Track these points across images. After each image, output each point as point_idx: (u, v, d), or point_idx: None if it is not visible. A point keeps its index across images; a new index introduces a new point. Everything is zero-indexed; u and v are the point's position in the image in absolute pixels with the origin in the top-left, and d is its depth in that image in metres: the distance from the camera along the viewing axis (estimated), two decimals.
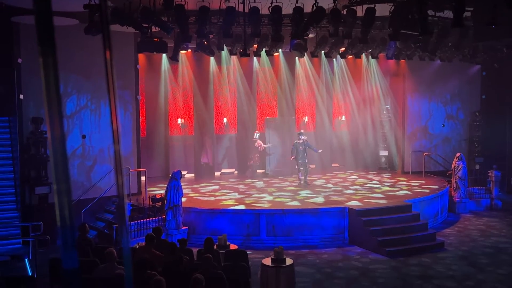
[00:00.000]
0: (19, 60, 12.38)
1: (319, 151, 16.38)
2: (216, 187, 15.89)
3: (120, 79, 14.07)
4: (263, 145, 17.81)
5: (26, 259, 8.98)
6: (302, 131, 16.77)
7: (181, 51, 15.84)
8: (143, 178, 14.79)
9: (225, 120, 19.01)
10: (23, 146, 12.56)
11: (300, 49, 14.19)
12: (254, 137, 17.89)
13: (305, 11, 11.23)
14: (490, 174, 16.65)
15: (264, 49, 15.44)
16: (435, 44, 14.36)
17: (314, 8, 11.06)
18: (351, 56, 17.74)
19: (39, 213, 12.22)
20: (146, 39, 12.45)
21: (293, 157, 15.90)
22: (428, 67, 18.57)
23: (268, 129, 18.31)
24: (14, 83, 12.29)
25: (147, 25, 11.69)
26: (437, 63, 18.13)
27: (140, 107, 15.72)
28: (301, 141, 15.80)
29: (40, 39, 1.32)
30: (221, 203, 13.15)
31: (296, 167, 15.99)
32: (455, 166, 15.94)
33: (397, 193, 14.72)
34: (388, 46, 15.30)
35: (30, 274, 8.21)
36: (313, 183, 16.59)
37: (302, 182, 15.82)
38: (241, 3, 11.44)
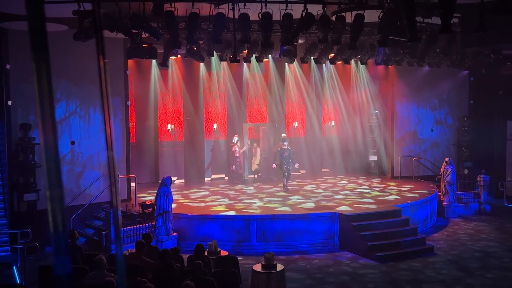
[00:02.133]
0: (8, 66, 12.29)
1: (296, 164, 16.13)
2: (206, 193, 15.85)
3: (110, 85, 13.98)
4: (237, 151, 17.64)
5: (14, 267, 8.89)
6: (284, 135, 16.48)
7: (171, 57, 15.83)
8: (132, 184, 14.72)
9: (215, 125, 19.00)
10: (11, 152, 12.45)
11: (289, 55, 14.25)
12: (233, 141, 17.87)
13: (294, 17, 11.28)
14: (478, 178, 16.79)
15: (254, 55, 15.46)
16: (423, 50, 14.48)
17: (304, 14, 11.11)
18: (340, 62, 17.81)
19: (28, 220, 12.11)
20: (136, 45, 12.42)
21: (275, 164, 15.95)
22: (416, 73, 18.73)
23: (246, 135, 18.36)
24: (2, 89, 12.20)
25: (136, 31, 11.67)
26: (426, 68, 18.29)
27: (129, 112, 15.66)
28: (285, 147, 15.69)
29: (33, 44, 1.33)
30: (211, 209, 13.12)
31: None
32: (444, 171, 16.05)
33: (386, 198, 14.78)
34: (377, 52, 15.40)
35: (18, 281, 8.12)
36: (304, 188, 16.62)
37: (285, 187, 15.88)
38: (231, 9, 11.47)
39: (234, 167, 17.76)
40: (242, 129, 18.57)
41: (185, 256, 8.71)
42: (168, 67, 15.88)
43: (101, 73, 1.41)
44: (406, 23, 10.23)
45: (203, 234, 12.18)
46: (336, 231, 12.39)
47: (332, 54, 15.96)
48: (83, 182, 13.81)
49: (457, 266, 10.91)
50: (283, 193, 15.59)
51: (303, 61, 16.10)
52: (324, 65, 19.37)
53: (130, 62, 15.78)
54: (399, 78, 18.89)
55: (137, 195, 14.25)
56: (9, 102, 12.38)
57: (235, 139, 17.80)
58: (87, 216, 13.47)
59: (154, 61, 16.82)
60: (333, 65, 18.64)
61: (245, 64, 18.12)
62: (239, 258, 9.09)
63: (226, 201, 14.36)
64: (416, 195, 15.04)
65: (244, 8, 11.31)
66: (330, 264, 11.12)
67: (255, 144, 18.37)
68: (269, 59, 18.57)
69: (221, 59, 15.80)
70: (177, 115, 18.54)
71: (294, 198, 14.67)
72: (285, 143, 15.85)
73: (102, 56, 1.41)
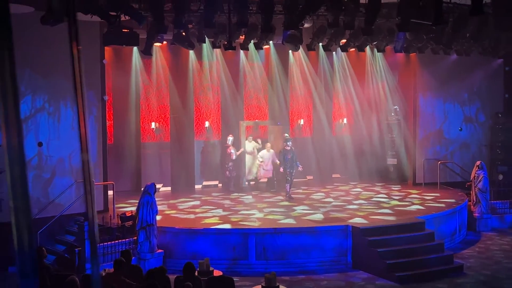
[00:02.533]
0: None
1: (300, 167, 16.28)
2: (197, 202, 15.83)
3: (84, 77, 14.00)
4: (233, 152, 17.64)
5: None
6: (287, 135, 16.78)
7: (155, 44, 15.80)
8: (110, 192, 14.69)
9: (207, 124, 19.00)
10: None
11: (294, 42, 14.25)
12: (227, 142, 17.89)
13: None
14: None
15: (252, 42, 15.47)
16: (450, 35, 14.50)
17: None
18: (353, 49, 17.82)
19: None
20: (114, 30, 12.42)
21: (282, 168, 16.09)
22: (442, 62, 18.74)
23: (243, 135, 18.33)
24: None
25: (115, 14, 11.67)
26: (453, 57, 18.30)
27: (106, 109, 15.65)
28: (289, 148, 15.95)
29: None
30: (203, 222, 13.10)
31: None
32: (474, 176, 16.04)
33: (408, 208, 14.79)
34: (397, 37, 15.41)
35: None
36: (310, 197, 16.62)
37: (287, 195, 16.02)
38: None
39: (228, 172, 17.74)
40: (238, 127, 18.58)
41: (172, 277, 8.69)
42: (151, 55, 15.85)
43: (74, 63, 1.40)
44: (431, 4, 10.25)
45: (193, 251, 12.15)
46: (348, 247, 12.37)
47: (344, 40, 15.97)
48: (53, 191, 13.77)
49: None
50: (286, 203, 15.58)
51: (310, 48, 16.10)
52: (334, 53, 19.35)
53: (107, 49, 15.75)
54: (422, 68, 18.90)
55: (116, 206, 14.21)
56: None
57: (230, 139, 17.79)
58: (57, 230, 13.43)
59: (135, 48, 16.79)
60: (345, 53, 18.64)
61: (242, 52, 18.08)
62: (235, 279, 9.07)
63: (220, 212, 14.33)
64: (443, 205, 15.03)
65: None
66: (342, 286, 11.11)
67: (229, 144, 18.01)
68: (270, 46, 18.55)
69: (214, 46, 15.78)
70: (163, 111, 18.53)
71: (300, 209, 14.66)
72: (288, 144, 15.93)
73: (75, 42, 1.41)
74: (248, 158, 18.42)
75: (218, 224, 12.81)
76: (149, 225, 11.82)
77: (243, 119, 19.13)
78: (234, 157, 17.68)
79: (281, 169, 16.30)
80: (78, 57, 1.43)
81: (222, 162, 18.35)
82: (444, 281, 11.38)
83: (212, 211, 14.51)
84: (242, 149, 18.23)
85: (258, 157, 18.03)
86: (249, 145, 18.46)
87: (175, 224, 12.91)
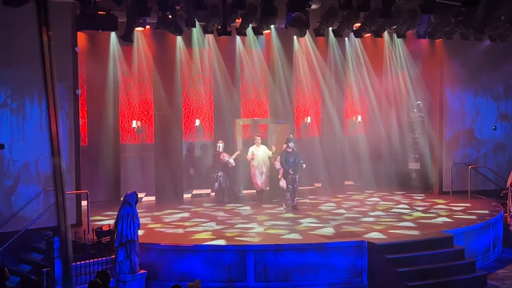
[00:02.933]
0: None
1: (304, 165, 16.40)
2: (186, 214, 15.85)
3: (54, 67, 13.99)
4: (229, 160, 17.60)
5: None
6: (291, 136, 16.89)
7: (137, 29, 15.80)
8: (84, 203, 14.66)
9: (197, 122, 19.00)
10: None
11: (299, 26, 14.26)
12: (217, 149, 17.87)
13: None
14: None
15: (250, 26, 15.47)
16: (483, 18, 14.51)
17: None
18: (369, 35, 17.82)
19: None
20: (88, 12, 12.42)
21: (281, 174, 16.27)
22: (473, 49, 18.73)
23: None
24: None
25: None
26: (486, 43, 18.28)
27: (80, 105, 15.63)
28: (291, 150, 16.08)
29: None
30: (193, 237, 13.09)
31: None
32: (511, 184, 16.05)
33: (433, 221, 14.78)
34: (420, 21, 15.42)
35: None
36: (319, 207, 16.61)
37: (289, 204, 16.15)
38: None
39: (217, 184, 17.62)
40: (234, 126, 18.58)
41: None
42: (132, 42, 15.83)
43: (44, 51, 1.40)
44: None
45: (181, 272, 12.13)
46: (364, 267, 12.34)
47: (358, 24, 15.97)
48: (16, 201, 13.74)
49: None
50: (290, 215, 15.58)
51: (318, 33, 16.09)
52: (346, 39, 19.36)
53: (81, 35, 15.75)
54: (449, 57, 18.89)
55: (90, 219, 14.20)
56: None
57: (220, 146, 17.68)
58: (22, 247, 13.40)
59: (113, 34, 16.80)
60: (359, 39, 18.64)
61: (238, 37, 18.10)
62: None
63: (213, 226, 14.33)
64: (474, 217, 15.02)
65: None
66: None
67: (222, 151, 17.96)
68: (271, 31, 18.56)
69: (206, 31, 15.78)
70: (145, 108, 18.52)
71: (306, 222, 14.66)
72: (290, 145, 15.97)
73: (45, 27, 1.41)
74: (258, 168, 17.87)
75: (211, 240, 12.78)
76: (130, 241, 11.80)
77: (239, 117, 19.11)
78: (232, 164, 17.67)
79: (280, 175, 16.33)
80: (49, 44, 1.44)
81: (213, 169, 18.20)
82: None
83: (203, 224, 14.51)
84: (238, 152, 18.22)
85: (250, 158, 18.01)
86: (260, 151, 17.93)
87: (160, 240, 12.86)
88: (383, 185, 19.77)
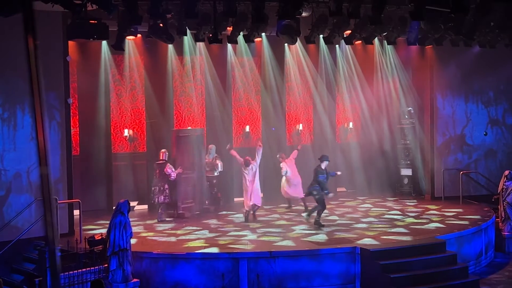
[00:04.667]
0: None
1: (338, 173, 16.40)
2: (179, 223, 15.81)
3: (44, 76, 13.91)
4: (171, 173, 16.29)
5: None
6: (327, 155, 15.76)
7: (128, 37, 15.81)
8: (76, 212, 14.64)
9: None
10: None
11: (290, 33, 14.28)
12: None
13: None
14: None
15: (241, 34, 15.49)
16: (472, 24, 14.58)
17: None
18: (359, 42, 17.87)
19: None
20: (79, 21, 12.40)
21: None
22: (463, 56, 18.82)
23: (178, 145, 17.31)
24: None
25: (80, 2, 11.67)
26: (476, 49, 18.37)
27: (71, 114, 15.60)
28: (323, 168, 15.20)
29: None
30: (186, 245, 13.07)
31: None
32: (502, 189, 16.08)
33: (425, 226, 14.81)
34: (410, 27, 15.48)
35: None
36: (312, 214, 16.59)
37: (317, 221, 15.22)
38: None
39: (161, 198, 16.37)
40: (238, 135, 18.60)
41: None
42: (123, 50, 15.84)
43: (31, 60, 1.40)
44: None
45: (174, 280, 12.11)
46: (357, 273, 12.36)
47: (348, 31, 16.01)
48: (8, 211, 13.69)
49: None
50: (283, 222, 15.57)
51: (309, 41, 16.13)
52: (337, 46, 19.42)
53: (72, 44, 15.71)
54: (439, 63, 18.97)
55: (83, 228, 14.15)
56: None
57: (213, 150, 17.56)
58: (13, 257, 13.34)
59: (104, 43, 16.78)
60: (349, 46, 18.69)
61: (229, 45, 18.12)
62: None
63: (206, 233, 14.31)
64: (466, 222, 15.06)
65: None
66: None
67: (216, 155, 17.60)
68: (262, 39, 18.60)
69: (197, 39, 15.80)
70: (137, 116, 18.49)
71: (299, 229, 14.65)
72: (326, 162, 15.35)
73: (32, 36, 1.40)
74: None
75: (204, 247, 12.75)
76: (123, 250, 11.76)
77: (231, 125, 19.11)
78: (173, 177, 16.35)
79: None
80: (35, 53, 1.43)
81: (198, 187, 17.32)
82: None
83: (196, 232, 14.48)
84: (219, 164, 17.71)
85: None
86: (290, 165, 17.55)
87: (153, 248, 12.85)
88: (375, 191, 19.79)
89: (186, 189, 16.93)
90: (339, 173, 16.60)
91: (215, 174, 17.65)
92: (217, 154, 17.73)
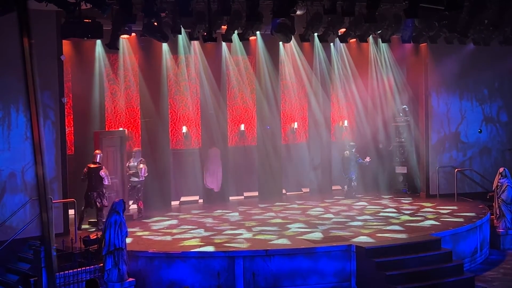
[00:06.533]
0: None
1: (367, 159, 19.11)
2: (174, 221, 15.81)
3: (38, 76, 13.91)
4: (106, 176, 15.48)
5: None
6: (351, 143, 19.11)
7: (122, 36, 15.78)
8: (71, 212, 14.61)
9: (184, 129, 18.97)
10: None
11: (285, 31, 14.27)
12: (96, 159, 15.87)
13: None
14: None
15: (236, 32, 15.48)
16: (466, 22, 14.60)
17: None
18: (354, 40, 17.87)
19: None
20: (73, 20, 12.37)
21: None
22: (458, 53, 18.83)
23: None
24: None
25: (74, 1, 11.64)
26: (470, 47, 18.40)
27: (65, 113, 15.57)
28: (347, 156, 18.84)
29: None
30: (181, 244, 13.05)
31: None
32: (497, 186, 16.10)
33: (420, 224, 14.82)
34: (404, 25, 15.49)
35: None
36: (307, 212, 16.63)
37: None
38: None
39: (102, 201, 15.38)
40: (234, 133, 18.60)
41: None
42: (118, 49, 15.81)
43: (26, 59, 1.39)
44: None
45: (170, 279, 12.09)
46: (352, 270, 12.37)
47: (343, 30, 16.02)
48: (3, 211, 13.66)
49: None
50: (279, 221, 15.58)
51: (304, 39, 16.14)
52: (332, 44, 19.43)
53: (66, 43, 15.69)
54: (434, 61, 18.99)
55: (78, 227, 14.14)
56: None
57: (136, 153, 16.78)
58: (8, 257, 13.31)
59: (98, 42, 16.76)
60: (344, 44, 18.71)
61: (224, 44, 18.12)
62: None
63: (201, 232, 14.30)
64: (461, 220, 15.09)
65: None
66: None
67: (141, 159, 16.81)
68: (257, 37, 18.60)
69: (192, 37, 15.79)
70: (132, 115, 18.47)
71: (295, 227, 14.65)
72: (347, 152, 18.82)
73: (26, 35, 1.40)
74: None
75: (199, 246, 12.74)
76: (118, 249, 11.75)
77: (226, 123, 19.11)
78: (108, 183, 15.57)
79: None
80: (31, 52, 1.42)
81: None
82: None
83: (192, 231, 14.47)
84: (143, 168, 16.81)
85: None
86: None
87: (148, 247, 12.82)
88: (370, 189, 19.84)
89: (110, 195, 15.85)
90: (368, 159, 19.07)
91: (140, 179, 16.77)
92: (142, 157, 16.95)
